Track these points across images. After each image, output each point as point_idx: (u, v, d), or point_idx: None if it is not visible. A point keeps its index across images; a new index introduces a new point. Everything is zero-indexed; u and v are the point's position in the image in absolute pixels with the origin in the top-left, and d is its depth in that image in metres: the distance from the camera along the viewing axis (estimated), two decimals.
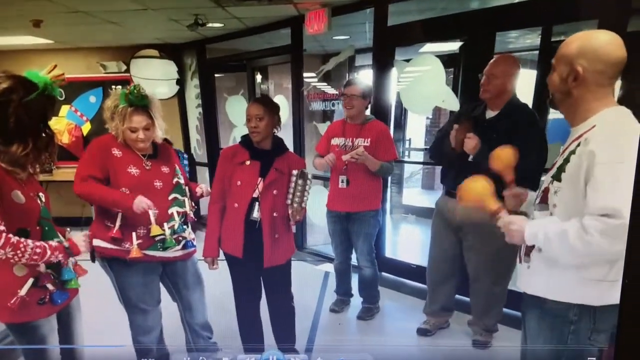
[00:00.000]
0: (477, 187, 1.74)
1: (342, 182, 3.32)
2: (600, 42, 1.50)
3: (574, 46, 1.52)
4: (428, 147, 3.15)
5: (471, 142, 2.66)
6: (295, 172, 2.47)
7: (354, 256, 3.58)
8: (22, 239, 1.70)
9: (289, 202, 2.47)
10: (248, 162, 2.53)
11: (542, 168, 2.69)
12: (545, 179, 1.68)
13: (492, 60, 2.78)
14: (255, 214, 2.51)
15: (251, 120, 2.51)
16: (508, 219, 1.66)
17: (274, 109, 2.56)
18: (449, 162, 2.92)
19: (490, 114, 2.81)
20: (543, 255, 1.60)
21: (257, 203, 2.51)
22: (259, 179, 2.51)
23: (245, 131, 2.60)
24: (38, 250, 1.73)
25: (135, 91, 2.30)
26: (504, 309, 3.10)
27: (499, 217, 1.69)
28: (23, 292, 1.77)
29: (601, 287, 1.52)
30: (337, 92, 4.82)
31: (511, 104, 2.76)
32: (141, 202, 2.27)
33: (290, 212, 2.49)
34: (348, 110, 3.31)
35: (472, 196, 1.74)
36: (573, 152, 1.52)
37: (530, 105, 3.31)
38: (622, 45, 1.50)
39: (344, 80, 4.25)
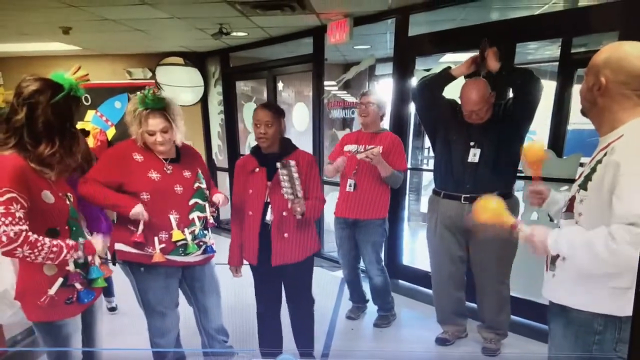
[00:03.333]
0: (491, 204, 1.75)
1: (350, 185, 3.34)
2: (624, 54, 1.49)
3: (602, 57, 1.52)
4: None
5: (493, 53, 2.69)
6: (278, 164, 2.42)
7: (361, 265, 3.57)
8: (41, 238, 1.71)
9: (285, 196, 2.44)
10: (257, 170, 2.56)
11: None
12: (572, 188, 1.67)
13: (469, 94, 2.79)
14: (268, 216, 2.53)
15: (260, 127, 2.51)
16: (530, 230, 1.65)
17: (281, 114, 2.58)
18: (452, 165, 2.95)
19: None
20: (568, 264, 1.58)
21: (269, 207, 2.53)
22: (268, 183, 2.53)
23: None
24: (54, 249, 1.74)
25: (149, 94, 2.31)
26: (515, 317, 3.10)
27: (518, 230, 1.68)
28: (52, 291, 1.81)
29: (626, 297, 1.48)
30: (356, 100, 4.85)
31: (495, 111, 2.85)
32: (139, 212, 2.29)
33: (289, 206, 2.46)
34: (364, 117, 3.34)
35: (488, 213, 1.75)
36: (599, 161, 1.51)
37: (550, 117, 3.31)
38: None
39: (363, 89, 4.28)
